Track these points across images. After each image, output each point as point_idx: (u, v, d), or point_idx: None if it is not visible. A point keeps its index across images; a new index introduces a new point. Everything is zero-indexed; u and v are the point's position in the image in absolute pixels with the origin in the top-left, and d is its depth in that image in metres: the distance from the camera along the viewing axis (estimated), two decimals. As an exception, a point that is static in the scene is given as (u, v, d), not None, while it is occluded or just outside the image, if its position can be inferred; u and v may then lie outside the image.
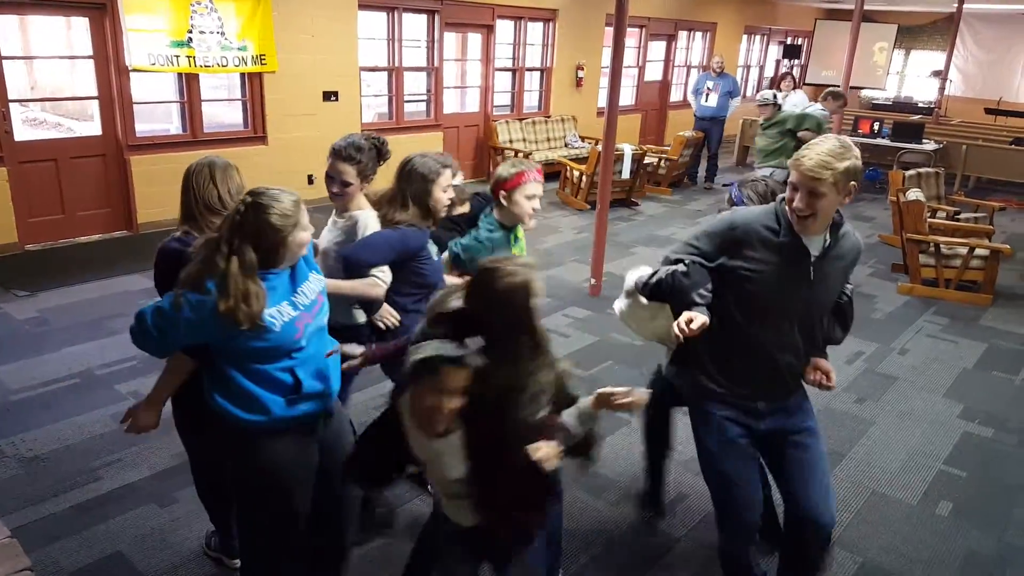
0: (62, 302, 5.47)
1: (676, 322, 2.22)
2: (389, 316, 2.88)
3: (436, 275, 3.00)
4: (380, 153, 2.92)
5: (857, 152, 2.19)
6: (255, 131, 7.79)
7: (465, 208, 3.24)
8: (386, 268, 2.83)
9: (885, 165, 10.66)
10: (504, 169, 2.95)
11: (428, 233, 2.96)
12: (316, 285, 2.31)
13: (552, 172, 9.96)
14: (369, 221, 2.88)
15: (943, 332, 5.72)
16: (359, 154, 2.83)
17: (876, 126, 11.18)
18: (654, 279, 2.42)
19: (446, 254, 3.07)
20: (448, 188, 2.96)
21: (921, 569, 3.10)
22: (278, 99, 7.82)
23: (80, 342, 4.80)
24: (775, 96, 7.41)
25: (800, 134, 7.04)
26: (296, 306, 2.19)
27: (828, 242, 2.25)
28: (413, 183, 2.91)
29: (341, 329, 2.74)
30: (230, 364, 2.17)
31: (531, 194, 2.91)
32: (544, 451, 1.86)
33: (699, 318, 2.21)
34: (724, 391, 2.40)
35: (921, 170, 7.62)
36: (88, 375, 4.41)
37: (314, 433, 2.34)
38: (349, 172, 2.84)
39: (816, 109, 7.59)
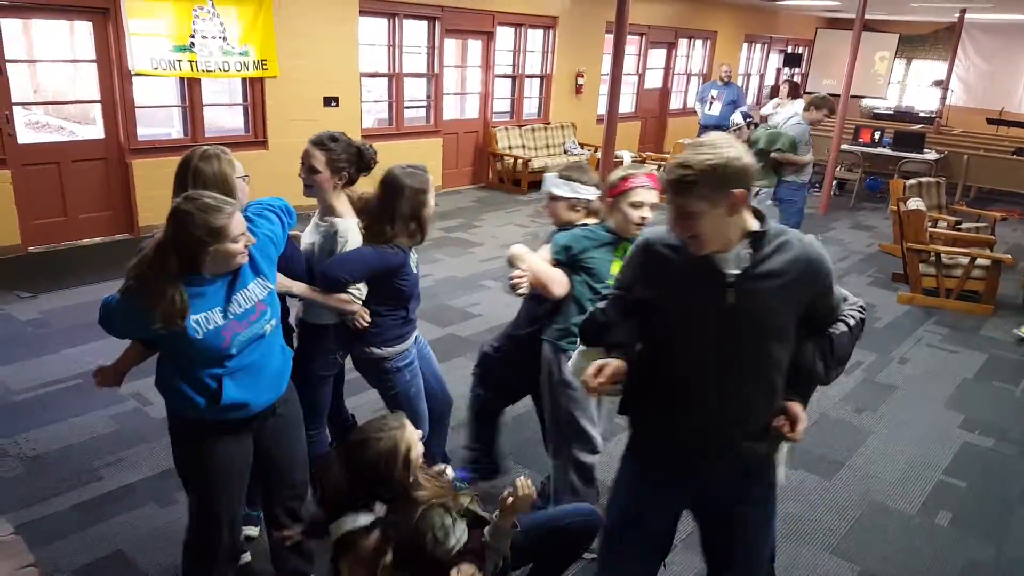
0: (64, 304, 5.48)
1: (585, 373, 1.95)
2: (361, 319, 2.86)
3: (413, 288, 2.97)
4: (361, 155, 2.87)
5: (736, 149, 1.75)
6: (256, 136, 7.82)
7: (593, 220, 2.96)
8: (362, 284, 2.82)
9: (886, 174, 10.69)
10: (614, 174, 2.82)
11: (410, 251, 2.90)
12: (257, 292, 2.29)
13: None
14: (349, 233, 2.81)
15: (943, 342, 5.73)
16: (332, 143, 2.81)
17: (877, 135, 11.21)
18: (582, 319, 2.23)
19: (547, 249, 2.88)
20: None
21: (920, 578, 3.11)
22: (279, 104, 7.85)
23: (81, 343, 4.81)
24: (745, 118, 6.69)
25: (773, 155, 6.45)
26: (227, 314, 2.21)
27: (750, 257, 1.82)
28: (404, 198, 2.83)
29: (311, 327, 2.91)
30: (166, 358, 2.32)
31: (638, 201, 2.70)
32: (464, 572, 2.05)
33: (610, 365, 1.92)
34: (655, 445, 2.06)
35: (922, 179, 7.64)
36: (89, 376, 4.39)
37: (246, 432, 2.41)
38: (318, 158, 2.79)
39: (792, 124, 6.87)
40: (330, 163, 2.80)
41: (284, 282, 2.68)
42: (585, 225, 2.90)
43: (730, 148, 1.73)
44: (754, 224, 1.84)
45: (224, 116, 8.35)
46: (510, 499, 2.12)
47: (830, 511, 3.51)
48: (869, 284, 7.03)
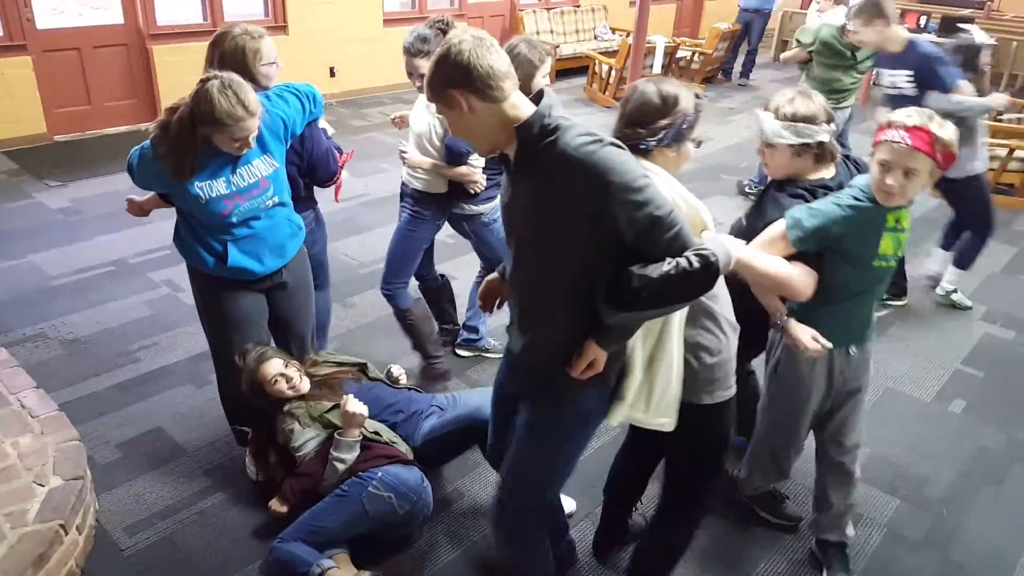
0: (94, 192, 5.56)
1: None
2: (477, 184, 3.22)
3: None
4: (447, 34, 2.97)
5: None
6: (276, 20, 7.62)
7: (829, 172, 2.36)
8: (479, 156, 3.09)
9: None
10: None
11: None
12: (261, 169, 2.49)
13: (581, 66, 9.69)
14: None
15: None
16: (426, 45, 3.00)
17: (923, 20, 10.62)
18: None
19: (782, 225, 2.21)
20: (546, 77, 3.01)
21: (930, 464, 3.19)
22: (299, -14, 7.60)
23: (113, 231, 4.91)
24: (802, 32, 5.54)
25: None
26: (230, 184, 2.43)
27: (517, 152, 1.75)
28: (518, 68, 2.88)
29: (426, 196, 3.27)
30: (181, 219, 2.58)
31: (884, 160, 2.09)
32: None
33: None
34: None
35: (966, 67, 7.28)
36: (122, 263, 4.54)
37: (256, 291, 2.68)
38: (423, 65, 2.97)
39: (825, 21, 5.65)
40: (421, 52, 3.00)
41: (414, 159, 3.18)
42: (824, 184, 2.31)
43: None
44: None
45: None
46: (343, 414, 2.56)
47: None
48: (902, 177, 6.85)
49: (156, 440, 3.12)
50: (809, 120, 2.25)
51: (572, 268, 1.78)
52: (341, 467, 2.53)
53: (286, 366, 2.68)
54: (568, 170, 1.67)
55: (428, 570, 2.58)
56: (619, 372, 1.97)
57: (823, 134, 2.26)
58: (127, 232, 4.85)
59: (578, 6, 10.61)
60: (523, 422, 2.01)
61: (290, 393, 2.66)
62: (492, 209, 3.40)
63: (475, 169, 3.20)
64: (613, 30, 10.73)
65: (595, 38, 10.57)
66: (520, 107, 1.74)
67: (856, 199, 2.15)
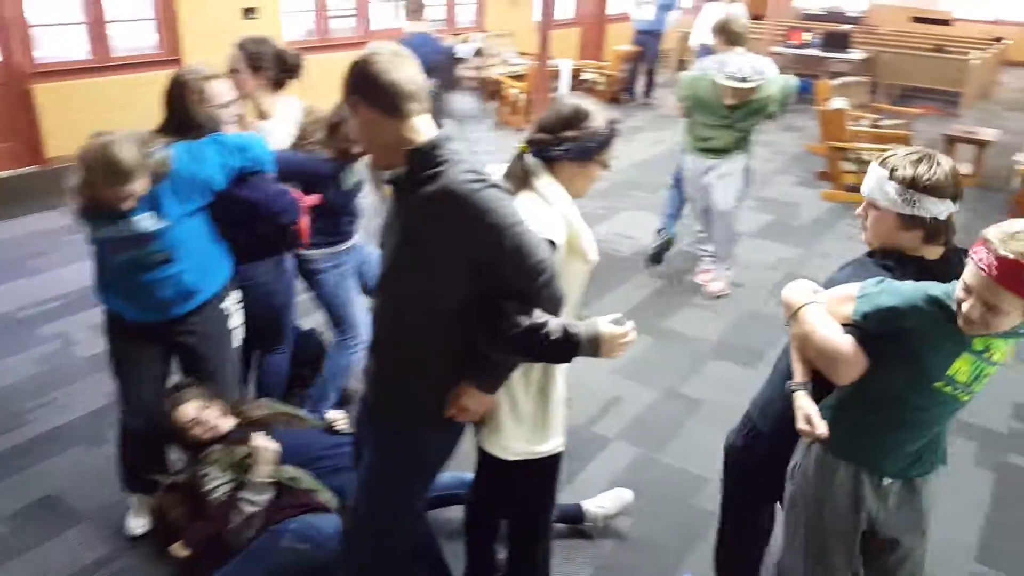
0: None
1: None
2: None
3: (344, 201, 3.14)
4: (283, 57, 3.07)
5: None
6: (170, 53, 7.38)
7: (934, 254, 1.92)
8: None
9: (816, 76, 10.77)
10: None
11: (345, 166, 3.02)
12: (144, 224, 2.42)
13: (490, 92, 9.75)
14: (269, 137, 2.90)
15: (863, 233, 5.93)
16: (253, 45, 3.01)
17: (807, 36, 11.22)
18: None
19: (852, 290, 1.83)
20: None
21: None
22: (193, 17, 7.39)
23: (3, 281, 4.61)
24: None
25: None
26: (112, 232, 2.43)
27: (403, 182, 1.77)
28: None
29: None
30: None
31: (967, 282, 1.62)
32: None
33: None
34: None
35: (847, 79, 7.75)
36: (8, 318, 4.26)
37: (155, 339, 2.65)
38: (237, 57, 2.99)
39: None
40: (249, 60, 2.98)
41: None
42: (924, 267, 1.86)
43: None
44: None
45: (134, 32, 7.83)
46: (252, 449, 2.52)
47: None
48: (795, 184, 7.20)
49: (51, 508, 2.93)
50: (931, 190, 1.80)
51: (435, 302, 1.76)
52: (249, 509, 2.43)
53: (204, 408, 2.58)
54: (447, 205, 1.66)
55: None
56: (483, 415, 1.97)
57: (943, 211, 1.83)
58: (11, 284, 4.57)
59: (485, 32, 10.72)
60: (365, 464, 1.99)
61: (207, 437, 2.56)
62: (327, 256, 3.12)
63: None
64: (521, 54, 10.87)
65: (503, 63, 10.68)
66: (419, 132, 1.73)
67: (948, 297, 1.67)
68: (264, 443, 2.50)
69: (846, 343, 1.76)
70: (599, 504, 2.87)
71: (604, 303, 4.53)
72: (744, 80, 4.20)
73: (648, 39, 10.19)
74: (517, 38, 11.05)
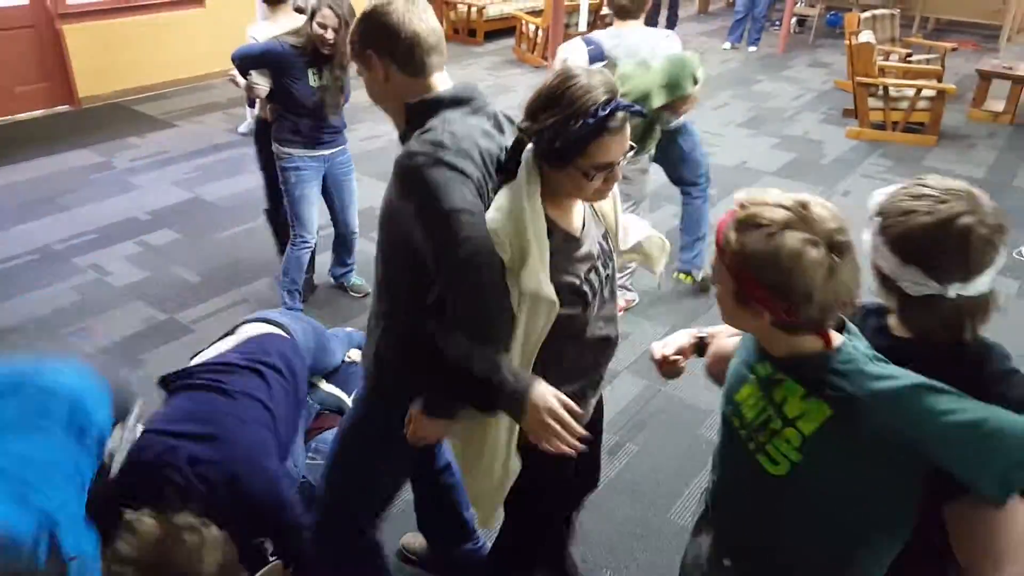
0: (10, 180, 5.40)
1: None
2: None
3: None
4: None
5: None
6: (191, -8, 7.41)
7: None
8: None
9: (846, 8, 10.47)
10: None
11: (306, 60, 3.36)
12: None
13: (508, 27, 9.65)
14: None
15: (886, 173, 5.88)
16: None
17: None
18: None
19: None
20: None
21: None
22: (213, -44, 7.39)
23: (33, 219, 4.79)
24: None
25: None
26: None
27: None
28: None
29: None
30: None
31: None
32: None
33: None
34: None
35: (876, 12, 7.53)
36: (47, 250, 4.46)
37: None
38: None
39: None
40: None
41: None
42: None
43: None
44: None
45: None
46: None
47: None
48: (821, 121, 7.09)
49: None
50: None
51: (403, 267, 1.60)
52: None
53: None
54: (394, 173, 1.51)
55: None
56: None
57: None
58: (49, 219, 4.75)
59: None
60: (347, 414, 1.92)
61: None
62: (291, 156, 3.49)
63: (257, 84, 3.40)
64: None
65: (521, -5, 10.51)
66: (434, 89, 1.58)
67: None
68: None
69: None
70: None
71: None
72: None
73: (672, -31, 9.91)
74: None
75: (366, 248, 3.98)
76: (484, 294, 1.47)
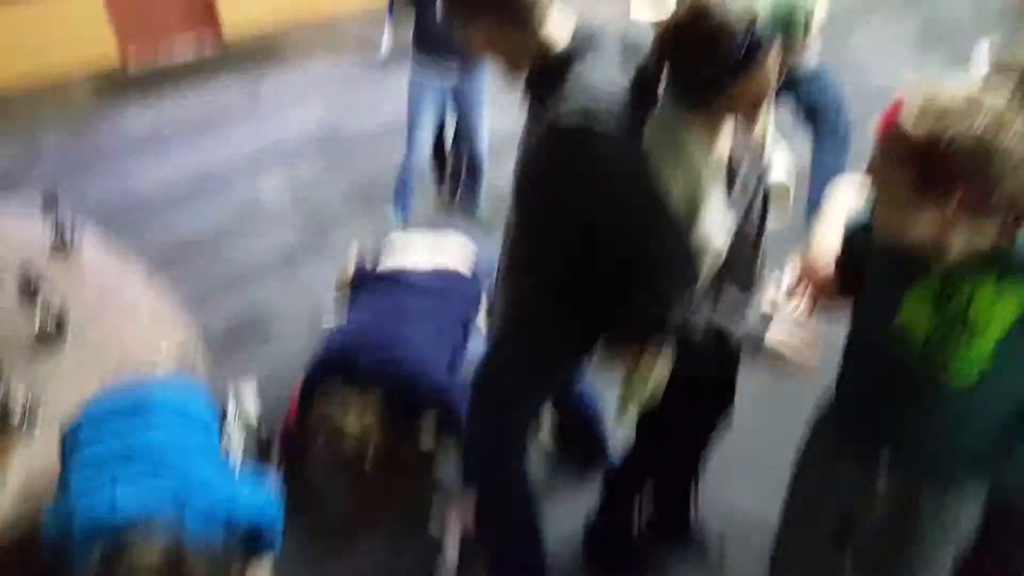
0: (170, 113, 5.82)
1: None
2: None
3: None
4: None
5: None
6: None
7: None
8: None
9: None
10: None
11: None
12: None
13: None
14: None
15: None
16: None
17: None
18: None
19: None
20: None
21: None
22: None
23: (190, 148, 5.19)
24: None
25: None
26: None
27: None
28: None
29: None
30: None
31: None
32: None
33: None
34: None
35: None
36: (204, 173, 4.88)
37: None
38: None
39: None
40: None
41: None
42: None
43: None
44: None
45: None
46: None
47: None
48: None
49: (256, 329, 3.52)
50: None
51: (553, 237, 1.53)
52: None
53: None
54: (552, 143, 1.38)
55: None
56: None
57: None
58: (202, 143, 5.17)
59: None
60: None
61: None
62: (414, 66, 3.56)
63: None
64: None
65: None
66: (552, 41, 1.44)
67: None
68: None
69: (827, 239, 1.58)
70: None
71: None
72: None
73: None
74: None
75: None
76: (672, 267, 1.44)
